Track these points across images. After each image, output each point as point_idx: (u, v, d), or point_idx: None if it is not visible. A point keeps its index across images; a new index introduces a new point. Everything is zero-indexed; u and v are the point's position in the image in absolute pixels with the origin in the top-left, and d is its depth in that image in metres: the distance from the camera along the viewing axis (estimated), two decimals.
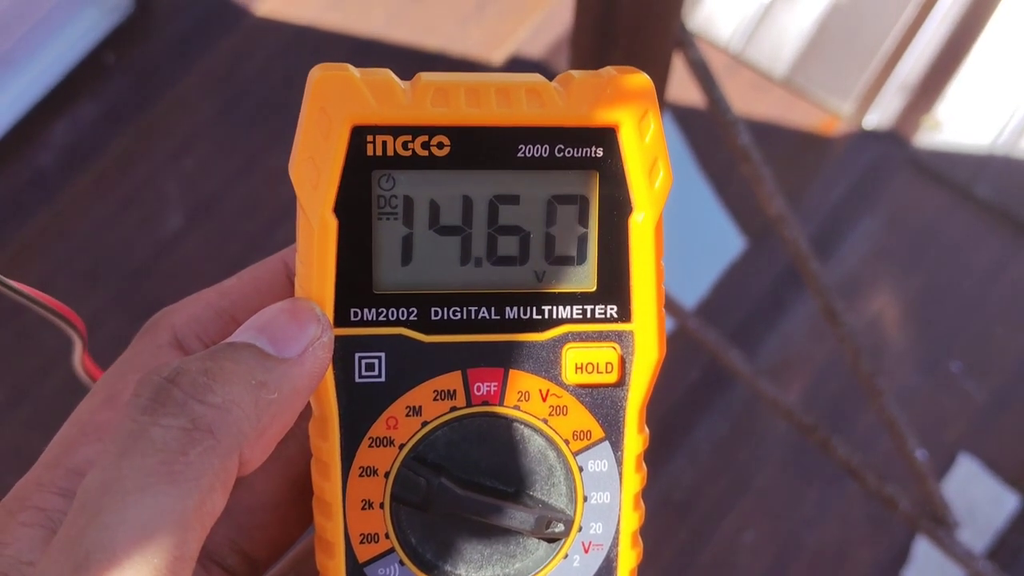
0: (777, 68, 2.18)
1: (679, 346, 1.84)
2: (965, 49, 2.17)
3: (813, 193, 2.11)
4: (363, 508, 0.38)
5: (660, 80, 1.12)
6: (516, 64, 2.15)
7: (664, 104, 1.20)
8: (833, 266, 2.04)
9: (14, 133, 2.05)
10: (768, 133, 2.15)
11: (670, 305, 1.42)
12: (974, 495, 1.88)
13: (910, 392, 1.96)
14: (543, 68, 2.14)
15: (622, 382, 0.39)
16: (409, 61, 2.15)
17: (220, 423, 0.32)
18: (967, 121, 2.14)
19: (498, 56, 2.16)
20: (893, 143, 2.15)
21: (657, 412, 1.90)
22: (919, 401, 1.95)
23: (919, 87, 2.17)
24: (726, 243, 2.03)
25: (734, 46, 2.19)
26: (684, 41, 1.06)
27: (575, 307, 0.39)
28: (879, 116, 2.16)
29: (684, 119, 2.05)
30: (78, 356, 0.49)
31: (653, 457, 1.90)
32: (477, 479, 0.38)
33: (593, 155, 0.38)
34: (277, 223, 1.98)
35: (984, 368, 1.98)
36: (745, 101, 2.16)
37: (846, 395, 1.89)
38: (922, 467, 1.33)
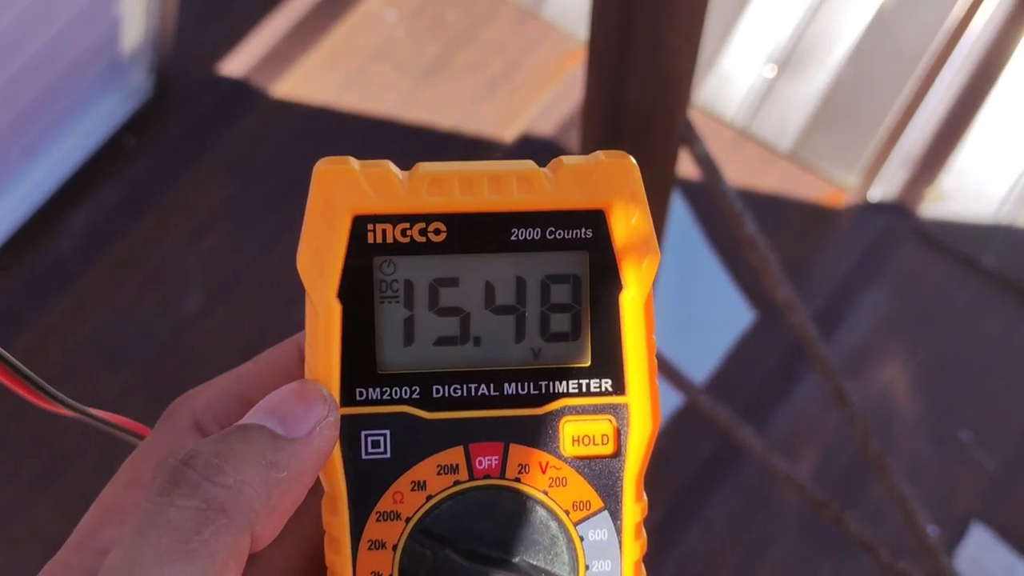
0: (782, 142, 2.21)
1: (692, 420, 1.86)
2: (968, 121, 2.19)
3: (821, 264, 2.13)
4: None
5: (667, 173, 1.15)
6: (527, 142, 2.18)
7: (673, 190, 1.23)
8: (842, 336, 2.06)
9: (35, 220, 2.08)
10: (775, 206, 2.17)
11: (681, 382, 1.44)
12: (987, 564, 1.89)
13: (921, 462, 1.96)
14: (554, 146, 2.18)
15: (618, 453, 0.40)
16: (423, 140, 2.19)
17: (232, 502, 0.34)
18: (971, 192, 2.16)
19: (509, 134, 2.20)
20: (899, 215, 2.17)
21: (672, 485, 1.92)
22: (930, 471, 1.96)
23: (923, 159, 2.19)
24: (736, 316, 2.05)
25: (740, 121, 2.22)
26: (689, 137, 1.10)
27: (571, 382, 0.40)
28: (884, 188, 2.18)
29: (693, 193, 2.08)
30: None
31: (669, 529, 1.91)
32: (482, 550, 0.39)
33: (583, 236, 0.39)
34: (295, 302, 2.00)
35: (994, 437, 1.99)
36: (752, 175, 2.19)
37: (858, 465, 1.90)
38: (933, 543, 1.35)
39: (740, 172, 2.18)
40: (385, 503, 0.39)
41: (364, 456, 0.39)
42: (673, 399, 1.88)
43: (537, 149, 2.17)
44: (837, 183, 2.18)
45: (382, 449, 0.39)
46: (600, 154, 0.40)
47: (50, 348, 2.00)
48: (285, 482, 0.35)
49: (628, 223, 0.39)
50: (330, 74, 2.25)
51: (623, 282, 0.39)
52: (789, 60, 2.23)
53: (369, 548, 0.39)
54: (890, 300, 2.11)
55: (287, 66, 2.25)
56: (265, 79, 2.24)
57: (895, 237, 2.14)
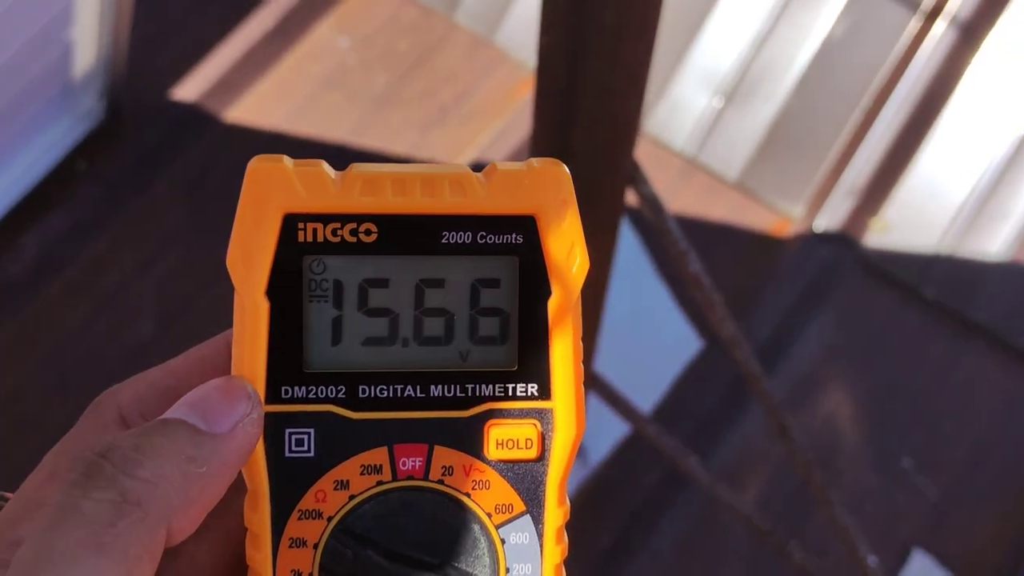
0: (730, 172, 2.24)
1: (639, 449, 1.88)
2: (911, 153, 2.22)
3: (767, 293, 2.15)
4: None
5: (614, 213, 1.17)
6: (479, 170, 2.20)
7: (621, 224, 1.25)
8: (787, 365, 2.08)
9: None
10: (722, 235, 2.20)
11: (628, 411, 1.46)
12: None
13: (864, 489, 1.99)
14: None
15: (542, 457, 0.40)
16: None
17: (148, 496, 0.33)
18: (914, 223, 2.19)
19: (461, 161, 2.21)
20: (843, 245, 2.20)
21: (619, 514, 1.93)
22: (873, 498, 1.99)
23: (867, 190, 2.22)
24: (683, 346, 2.07)
25: (689, 150, 2.25)
26: (635, 178, 1.12)
27: (497, 386, 0.40)
28: (829, 219, 2.22)
29: (642, 224, 2.10)
30: None
31: (615, 557, 1.93)
32: (403, 551, 0.39)
33: (514, 241, 0.39)
34: None
35: (935, 464, 2.02)
36: (700, 204, 2.22)
37: (803, 493, 1.93)
38: (874, 573, 1.37)
39: (688, 201, 2.21)
40: (307, 501, 0.39)
41: (288, 454, 0.39)
42: (620, 428, 1.90)
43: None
44: (783, 213, 2.21)
45: (306, 448, 0.39)
46: (533, 161, 0.40)
47: (0, 373, 1.99)
48: (204, 477, 0.35)
49: (558, 230, 0.39)
50: (282, 101, 2.26)
51: (552, 288, 0.40)
52: (736, 92, 2.26)
53: (290, 546, 0.39)
54: (834, 329, 2.14)
55: (239, 92, 2.25)
56: (217, 105, 2.24)
57: (840, 267, 2.17)
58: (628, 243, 2.07)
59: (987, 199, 2.18)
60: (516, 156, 2.20)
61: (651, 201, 1.15)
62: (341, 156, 2.18)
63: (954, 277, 2.14)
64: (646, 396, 2.00)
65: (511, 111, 2.26)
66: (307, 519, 0.39)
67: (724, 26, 2.27)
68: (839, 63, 2.24)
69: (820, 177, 2.22)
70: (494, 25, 2.33)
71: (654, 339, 2.06)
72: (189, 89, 2.25)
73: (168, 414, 0.37)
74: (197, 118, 2.23)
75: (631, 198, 1.17)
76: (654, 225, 1.18)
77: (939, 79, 2.23)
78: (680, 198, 2.20)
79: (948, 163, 2.21)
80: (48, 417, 1.94)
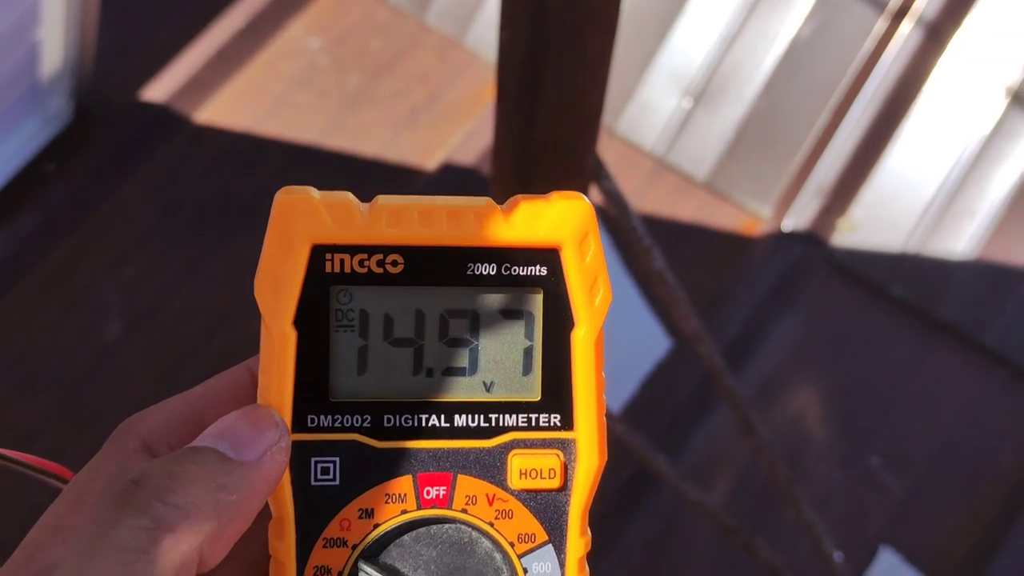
0: (699, 172, 2.24)
1: (610, 448, 1.88)
2: (878, 153, 2.24)
3: (736, 292, 2.16)
4: None
5: None
6: (449, 171, 2.20)
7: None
8: (756, 363, 2.09)
9: None
10: (691, 234, 2.20)
11: None
12: None
13: (832, 487, 2.00)
14: (475, 175, 2.20)
15: (565, 487, 0.41)
16: (345, 168, 2.20)
17: (181, 523, 0.34)
18: (881, 222, 2.21)
19: (431, 163, 2.22)
20: (811, 244, 2.21)
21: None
22: (840, 496, 2.00)
23: (834, 190, 2.24)
24: (651, 344, 2.07)
25: (658, 151, 2.26)
26: (599, 173, 1.12)
27: (520, 416, 0.40)
28: (797, 218, 2.23)
29: (611, 222, 2.10)
30: None
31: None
32: None
33: (537, 274, 0.40)
34: (215, 331, 2.00)
35: (903, 462, 2.03)
36: (670, 203, 2.22)
37: (770, 491, 1.93)
38: (839, 569, 1.38)
39: (658, 201, 2.22)
40: (332, 529, 0.39)
41: (313, 482, 0.39)
42: None
43: (459, 178, 2.19)
44: (752, 213, 2.22)
45: (331, 476, 0.39)
46: (556, 194, 0.41)
47: None
48: (234, 505, 0.36)
49: (582, 262, 0.40)
50: (252, 101, 2.25)
51: (575, 320, 0.41)
52: (705, 92, 2.27)
53: (315, 574, 0.39)
54: (802, 328, 2.14)
55: (209, 93, 2.25)
56: (187, 106, 2.24)
57: (807, 266, 2.18)
58: None
59: (953, 198, 2.19)
60: (486, 157, 2.20)
61: (614, 197, 1.16)
62: (311, 156, 2.18)
63: (921, 276, 2.16)
64: (615, 395, 2.01)
65: (481, 112, 2.26)
66: (332, 547, 0.39)
67: (693, 27, 2.28)
68: (807, 63, 2.25)
69: (788, 177, 2.23)
70: (464, 27, 2.33)
71: (622, 338, 2.06)
72: (158, 90, 2.24)
73: (197, 442, 0.38)
74: (167, 119, 2.23)
75: (595, 196, 1.18)
76: (618, 222, 1.19)
77: (906, 79, 2.25)
78: (650, 198, 2.20)
79: (915, 162, 2.22)
80: (17, 418, 1.93)
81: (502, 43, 0.95)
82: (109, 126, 2.22)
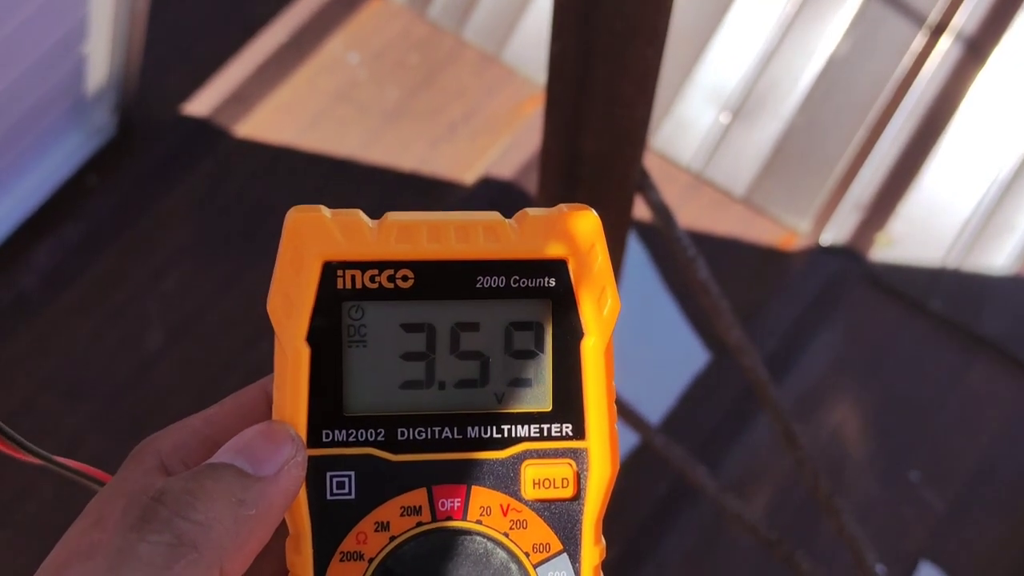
0: (737, 187, 2.25)
1: (647, 460, 1.89)
2: (916, 168, 2.23)
3: (774, 307, 2.16)
4: None
5: (623, 221, 1.18)
6: (487, 185, 2.21)
7: (629, 234, 1.26)
8: (794, 378, 2.08)
9: None
10: (729, 249, 2.20)
11: (636, 421, 1.46)
12: None
13: (871, 502, 1.99)
14: (513, 188, 2.21)
15: (578, 496, 0.41)
16: (383, 182, 2.21)
17: (203, 538, 0.34)
18: (919, 237, 2.20)
19: (469, 177, 2.23)
20: (849, 259, 2.20)
21: (626, 524, 1.93)
22: (880, 510, 1.99)
23: (873, 205, 2.23)
24: (691, 356, 2.07)
25: (695, 166, 2.26)
26: (644, 185, 1.13)
27: (532, 426, 0.41)
28: (835, 233, 2.22)
29: (649, 235, 2.11)
30: None
31: (622, 569, 1.93)
32: None
33: (546, 285, 0.41)
34: (255, 341, 2.02)
35: (942, 477, 2.02)
36: (707, 218, 2.22)
37: (810, 504, 1.92)
38: None
39: (695, 216, 2.22)
40: (349, 543, 0.40)
41: (329, 497, 0.40)
42: (629, 439, 1.90)
43: (496, 192, 2.20)
44: (789, 227, 2.22)
45: (347, 490, 0.40)
46: (563, 206, 0.41)
47: (10, 384, 2.00)
48: (254, 520, 0.36)
49: (590, 272, 0.41)
50: (292, 116, 2.27)
51: (584, 329, 0.41)
52: (743, 108, 2.27)
53: None
54: (841, 342, 2.14)
55: (250, 107, 2.27)
56: (228, 120, 2.26)
57: (846, 280, 2.18)
58: (635, 255, 2.08)
59: (992, 213, 2.18)
60: (524, 171, 2.21)
61: (660, 208, 1.16)
62: (350, 170, 2.19)
63: (960, 291, 2.15)
64: (654, 407, 2.01)
65: (518, 127, 2.27)
66: (348, 561, 0.40)
67: (730, 43, 2.28)
68: (845, 79, 2.25)
69: (826, 192, 2.23)
70: (502, 42, 2.35)
71: (662, 351, 2.06)
72: (200, 104, 2.27)
73: (216, 458, 0.38)
74: (208, 133, 2.25)
75: (639, 209, 1.18)
76: (663, 232, 1.19)
77: (944, 94, 2.24)
78: (687, 213, 2.21)
79: (953, 177, 2.21)
80: (59, 429, 1.95)
81: (552, 54, 0.96)
82: (151, 140, 2.24)
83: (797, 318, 2.13)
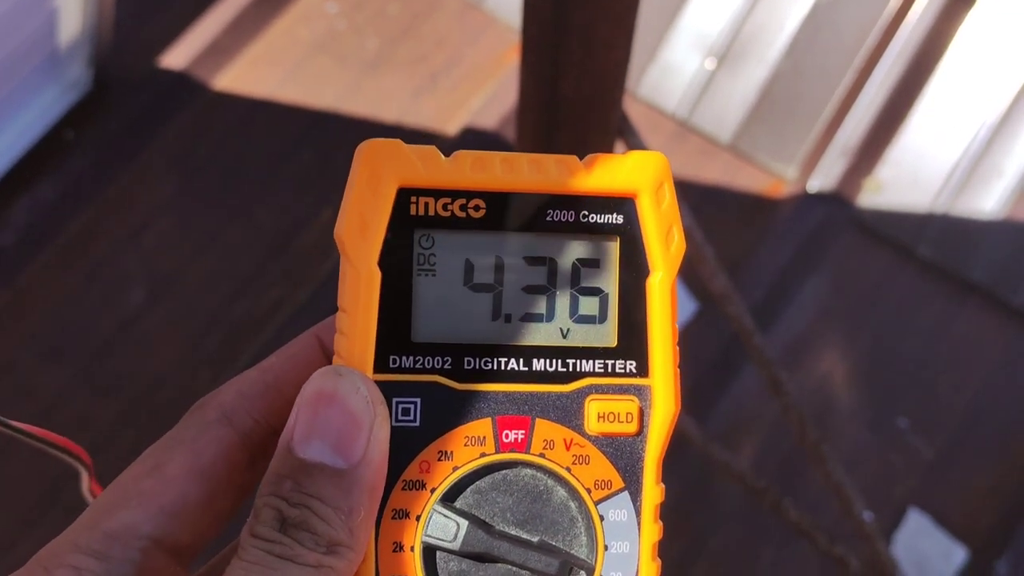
0: (723, 134, 2.23)
1: None
2: (904, 113, 2.22)
3: (761, 254, 2.15)
4: (394, 551, 0.39)
5: None
6: (470, 134, 2.19)
7: None
8: (782, 326, 2.08)
9: None
10: (716, 196, 2.19)
11: None
12: (924, 549, 1.92)
13: (859, 449, 1.99)
14: (496, 138, 2.18)
15: (641, 433, 0.41)
16: (364, 133, 2.18)
17: (338, 563, 0.36)
18: (907, 182, 2.19)
19: (452, 127, 2.20)
20: (837, 205, 2.19)
21: None
22: (868, 458, 1.99)
23: (860, 150, 2.22)
24: (678, 306, 2.06)
25: (681, 113, 2.24)
26: (624, 129, 1.11)
27: (597, 362, 0.41)
28: (823, 179, 2.21)
29: None
30: (86, 484, 0.51)
31: None
32: (503, 527, 0.40)
33: (614, 222, 0.41)
34: (236, 297, 2.00)
35: (930, 424, 2.02)
36: (694, 166, 2.21)
37: (797, 453, 1.92)
38: (869, 528, 1.37)
39: (681, 164, 2.20)
40: (412, 472, 0.40)
41: (394, 423, 0.40)
42: None
43: (480, 142, 2.17)
44: (776, 174, 2.21)
45: (412, 417, 0.40)
46: (634, 152, 0.42)
47: None
48: (367, 517, 0.38)
49: (657, 211, 0.41)
50: (271, 67, 2.24)
51: (651, 267, 0.41)
52: (728, 54, 2.24)
53: (393, 517, 0.39)
54: (828, 289, 2.13)
55: (228, 59, 2.24)
56: (206, 72, 2.23)
57: (833, 227, 2.17)
58: None
59: (981, 157, 2.17)
60: (507, 120, 2.19)
61: None
62: (330, 122, 2.16)
63: (949, 236, 2.14)
64: None
65: (501, 75, 2.24)
66: (411, 490, 0.40)
67: None
68: (830, 23, 2.23)
69: (813, 138, 2.21)
70: None
71: None
72: (177, 57, 2.24)
73: (305, 452, 0.38)
74: (186, 86, 2.22)
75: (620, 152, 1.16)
76: None
77: (932, 37, 2.22)
78: (673, 161, 2.18)
79: (941, 122, 2.20)
80: (39, 388, 1.94)
81: None
82: (128, 93, 2.21)
83: (784, 265, 2.13)
